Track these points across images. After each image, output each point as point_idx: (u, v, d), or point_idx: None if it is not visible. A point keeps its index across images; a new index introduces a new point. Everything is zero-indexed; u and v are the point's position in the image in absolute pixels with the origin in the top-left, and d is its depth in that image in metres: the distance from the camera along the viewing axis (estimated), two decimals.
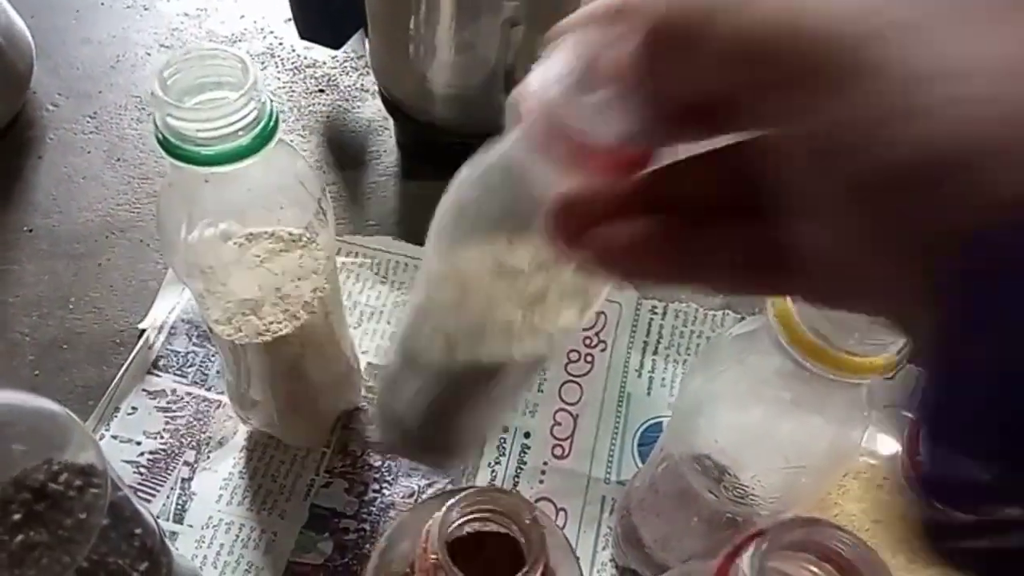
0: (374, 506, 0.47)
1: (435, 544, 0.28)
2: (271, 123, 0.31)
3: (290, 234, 0.39)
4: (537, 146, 0.19)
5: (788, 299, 0.28)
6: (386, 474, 0.49)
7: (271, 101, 0.32)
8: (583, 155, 0.18)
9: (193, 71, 0.31)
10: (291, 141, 0.63)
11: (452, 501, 0.30)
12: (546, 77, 0.19)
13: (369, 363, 0.53)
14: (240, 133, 0.31)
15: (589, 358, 0.55)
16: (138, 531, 0.32)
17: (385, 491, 0.48)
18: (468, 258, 0.31)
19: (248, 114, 0.30)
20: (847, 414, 0.32)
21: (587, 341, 0.56)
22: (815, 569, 0.24)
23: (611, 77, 0.17)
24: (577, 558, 0.46)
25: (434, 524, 0.29)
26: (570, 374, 0.55)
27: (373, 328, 0.55)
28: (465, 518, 0.30)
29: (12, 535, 0.29)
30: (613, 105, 0.17)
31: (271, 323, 0.39)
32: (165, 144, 0.31)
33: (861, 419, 0.32)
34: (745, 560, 0.22)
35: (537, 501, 0.48)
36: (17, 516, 0.29)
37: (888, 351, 0.27)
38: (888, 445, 0.38)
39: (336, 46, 0.62)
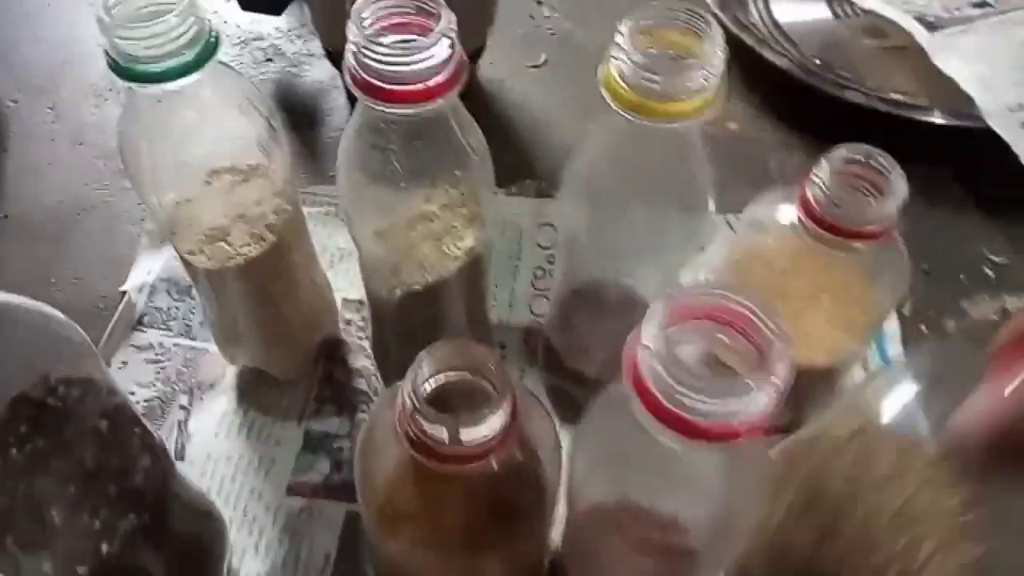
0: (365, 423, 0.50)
1: (409, 395, 0.31)
2: (212, 39, 0.34)
3: (249, 165, 0.42)
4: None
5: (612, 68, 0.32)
6: (373, 395, 0.51)
7: (209, 21, 0.34)
8: None
9: (134, 2, 0.34)
10: None
11: (422, 354, 0.32)
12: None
13: (344, 299, 0.56)
14: (184, 50, 0.33)
15: (553, 272, 0.58)
16: (137, 430, 0.34)
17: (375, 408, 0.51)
18: (394, 216, 0.38)
19: (189, 30, 0.33)
20: (687, 166, 0.35)
21: (550, 259, 0.59)
22: (723, 338, 0.26)
23: None
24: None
25: (406, 380, 0.31)
26: (537, 289, 0.57)
27: (345, 268, 0.57)
28: (438, 371, 0.32)
29: (20, 446, 0.31)
30: None
31: (241, 247, 0.42)
32: (117, 67, 0.33)
33: (702, 171, 0.36)
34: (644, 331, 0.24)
35: None
36: (24, 428, 0.31)
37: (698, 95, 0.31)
38: (787, 214, 0.39)
39: (277, 12, 0.65)
